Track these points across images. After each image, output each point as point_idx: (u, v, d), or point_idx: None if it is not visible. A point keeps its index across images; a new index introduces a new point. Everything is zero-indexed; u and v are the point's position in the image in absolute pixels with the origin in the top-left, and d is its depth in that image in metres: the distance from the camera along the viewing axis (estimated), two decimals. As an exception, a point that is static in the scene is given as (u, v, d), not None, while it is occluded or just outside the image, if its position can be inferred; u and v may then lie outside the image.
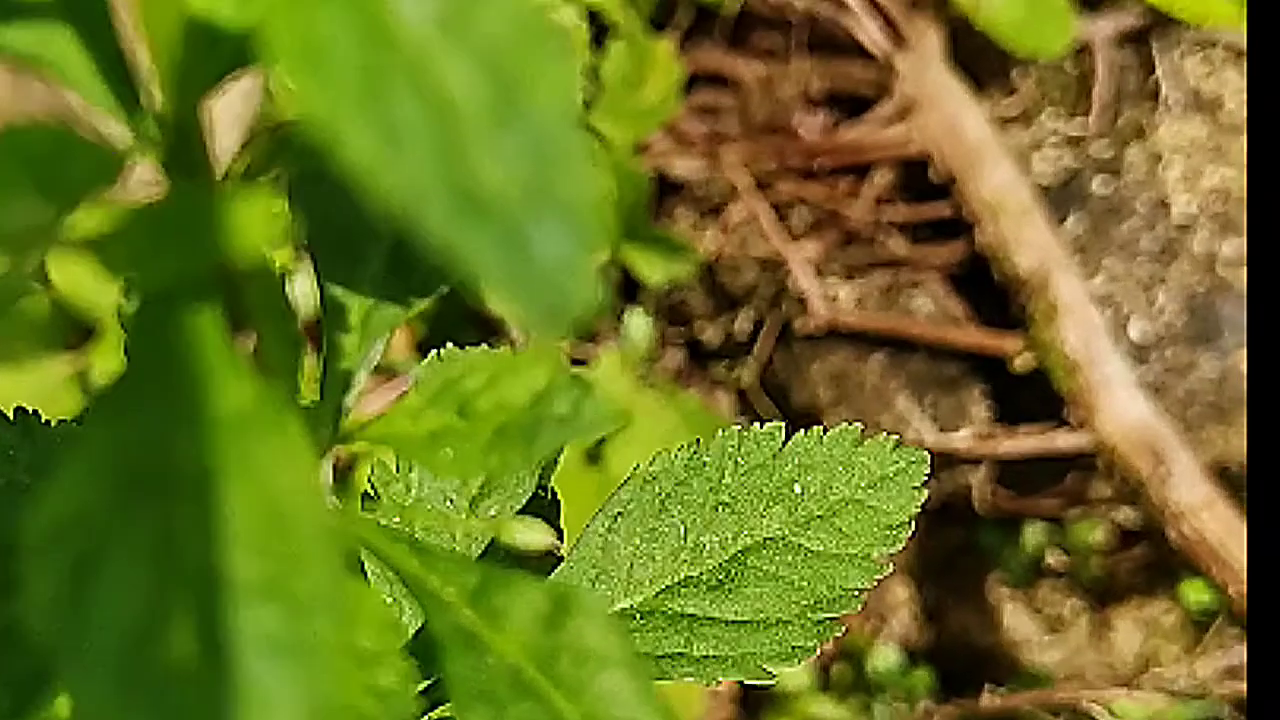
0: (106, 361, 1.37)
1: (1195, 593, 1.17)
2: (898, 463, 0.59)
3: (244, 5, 0.33)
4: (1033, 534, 1.25)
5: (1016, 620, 1.29)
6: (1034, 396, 1.17)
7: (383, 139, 0.30)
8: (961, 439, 1.13)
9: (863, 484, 0.59)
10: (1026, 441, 1.09)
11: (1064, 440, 1.07)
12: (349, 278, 0.48)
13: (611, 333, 1.35)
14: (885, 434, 1.24)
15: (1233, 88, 1.18)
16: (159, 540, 0.34)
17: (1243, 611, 0.94)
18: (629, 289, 1.33)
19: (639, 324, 1.30)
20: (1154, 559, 1.20)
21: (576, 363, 1.30)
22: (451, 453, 0.45)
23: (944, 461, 1.17)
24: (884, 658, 1.30)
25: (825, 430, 0.59)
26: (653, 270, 1.24)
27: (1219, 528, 0.97)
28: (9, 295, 0.36)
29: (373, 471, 0.60)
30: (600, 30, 1.34)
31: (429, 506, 0.68)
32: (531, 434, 0.45)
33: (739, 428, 0.59)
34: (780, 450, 0.58)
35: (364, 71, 0.30)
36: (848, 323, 1.20)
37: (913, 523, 0.59)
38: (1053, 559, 1.25)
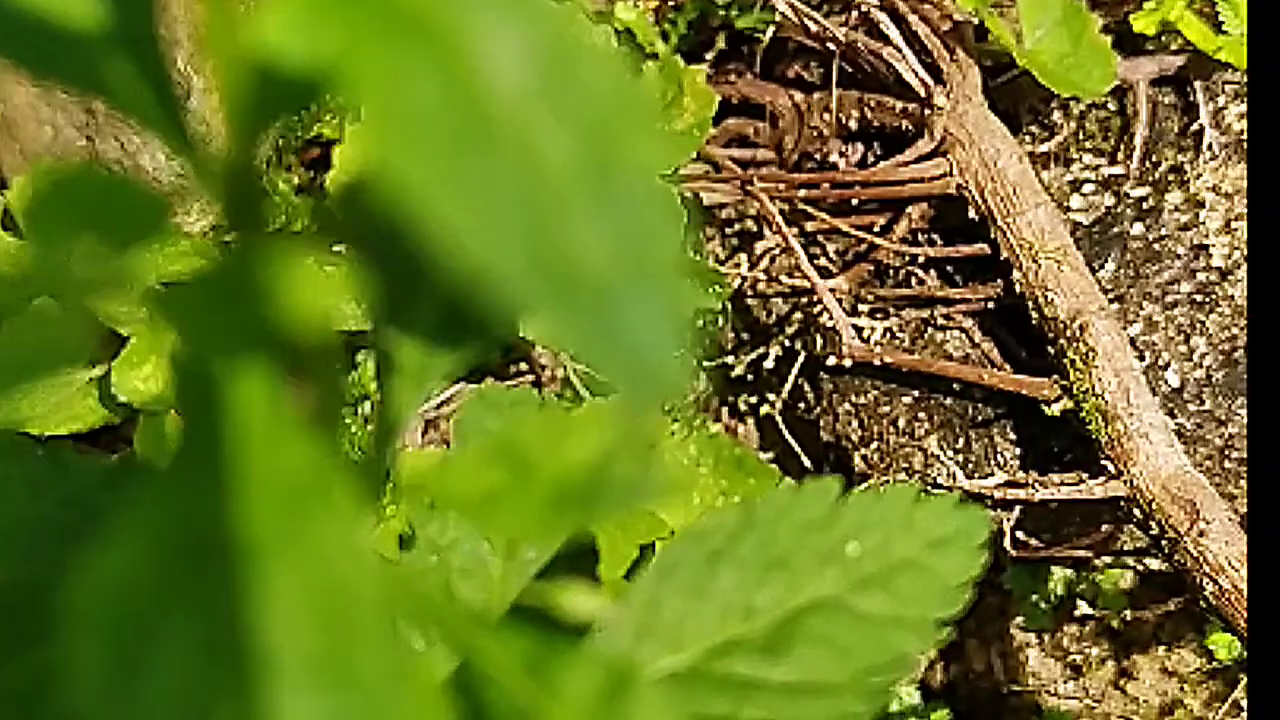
0: (126, 372, 1.35)
1: (1225, 644, 1.15)
2: (958, 522, 0.58)
3: (317, 41, 0.31)
4: (1060, 578, 1.23)
5: (1040, 663, 1.27)
6: (1068, 439, 1.15)
7: (472, 206, 0.28)
8: (994, 484, 1.11)
9: (921, 544, 0.57)
10: (1060, 490, 1.07)
11: (1099, 489, 1.05)
12: (405, 324, 0.47)
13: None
14: (919, 478, 1.22)
15: (1277, 133, 1.16)
16: (210, 617, 0.33)
17: None
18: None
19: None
20: (1182, 606, 1.18)
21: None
22: (508, 514, 0.43)
23: (974, 503, 1.15)
24: (904, 697, 1.28)
25: (884, 486, 0.57)
26: (684, 293, 1.23)
27: (1259, 584, 0.95)
28: (67, 341, 0.34)
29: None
30: (631, 54, 1.32)
31: (466, 547, 0.66)
32: (592, 498, 0.43)
33: (794, 483, 0.57)
34: (836, 507, 0.57)
35: (452, 133, 0.29)
36: (878, 359, 1.18)
37: (972, 585, 0.58)
38: (1080, 603, 1.23)
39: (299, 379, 0.38)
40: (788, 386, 1.27)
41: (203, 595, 0.33)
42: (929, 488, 1.15)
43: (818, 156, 1.29)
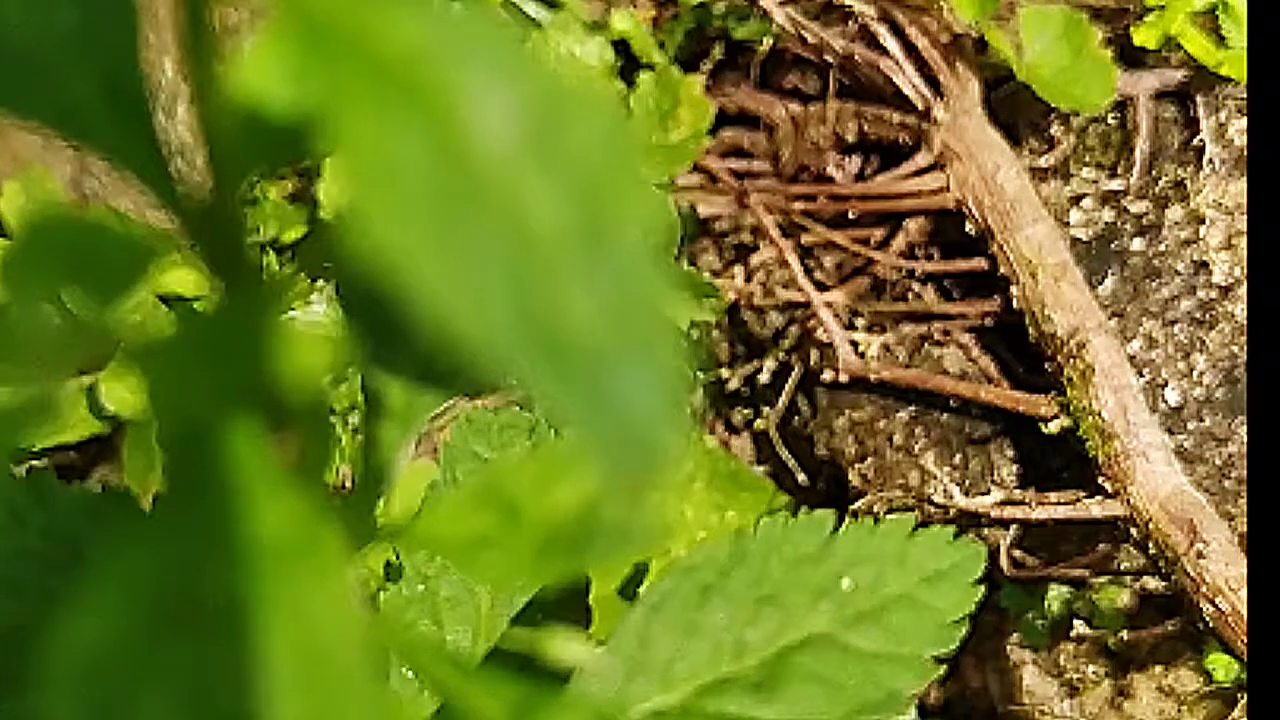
0: (114, 382, 1.34)
1: (1224, 664, 1.15)
2: (953, 556, 0.57)
3: (301, 88, 0.31)
4: (1057, 596, 1.22)
5: (1036, 682, 1.26)
6: (1065, 457, 1.14)
7: (457, 267, 0.27)
8: (991, 502, 1.10)
9: (916, 579, 0.56)
10: (1058, 509, 1.06)
11: (1096, 509, 1.04)
12: (391, 365, 0.46)
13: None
14: (915, 495, 1.21)
15: (1278, 149, 1.15)
16: (193, 679, 0.32)
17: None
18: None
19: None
20: (1180, 626, 1.17)
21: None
22: (496, 559, 0.42)
23: (970, 521, 1.14)
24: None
25: (877, 519, 0.57)
26: (678, 313, 1.22)
27: (1257, 607, 0.94)
28: (46, 399, 0.34)
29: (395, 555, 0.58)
30: (627, 64, 1.31)
31: (453, 576, 0.65)
32: (581, 544, 0.42)
33: (786, 514, 0.56)
34: (829, 541, 0.56)
35: (437, 193, 0.28)
36: (875, 375, 1.17)
37: (967, 621, 0.57)
38: (1076, 622, 1.23)
39: (285, 430, 0.38)
40: (783, 401, 1.26)
41: (184, 654, 0.32)
42: (924, 504, 1.14)
43: (815, 169, 1.29)
